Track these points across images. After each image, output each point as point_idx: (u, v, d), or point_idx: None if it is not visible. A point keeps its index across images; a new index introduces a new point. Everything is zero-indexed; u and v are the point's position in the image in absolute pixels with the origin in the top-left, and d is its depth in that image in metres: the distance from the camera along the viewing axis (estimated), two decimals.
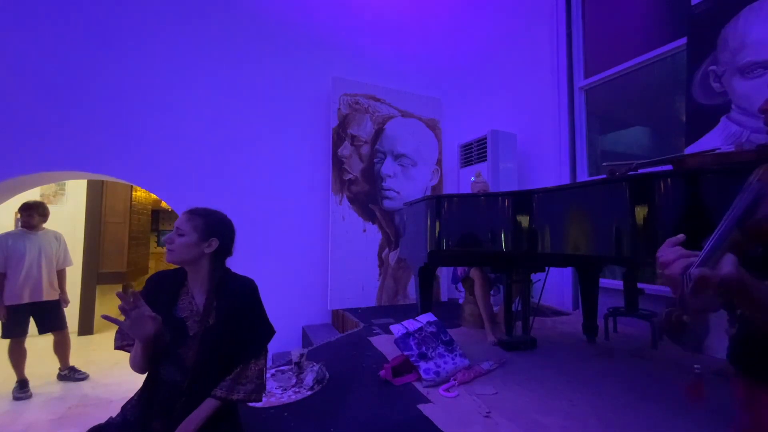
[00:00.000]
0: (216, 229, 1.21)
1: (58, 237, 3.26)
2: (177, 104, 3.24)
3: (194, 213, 1.21)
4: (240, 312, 1.19)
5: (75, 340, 3.28)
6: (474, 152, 3.72)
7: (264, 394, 1.64)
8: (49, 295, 3.08)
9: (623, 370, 1.94)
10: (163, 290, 1.19)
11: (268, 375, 1.85)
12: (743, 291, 0.56)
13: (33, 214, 3.06)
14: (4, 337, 2.95)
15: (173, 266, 1.20)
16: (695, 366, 0.67)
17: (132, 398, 1.17)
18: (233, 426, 1.18)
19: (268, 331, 1.26)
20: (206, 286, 1.19)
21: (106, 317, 1.04)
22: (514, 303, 2.31)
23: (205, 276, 1.19)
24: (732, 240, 0.57)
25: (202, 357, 1.11)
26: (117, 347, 1.15)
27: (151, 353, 1.10)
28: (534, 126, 3.67)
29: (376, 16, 4.12)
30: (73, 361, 3.30)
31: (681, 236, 0.62)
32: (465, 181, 3.81)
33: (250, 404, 1.48)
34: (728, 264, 0.54)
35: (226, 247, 1.24)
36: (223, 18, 3.45)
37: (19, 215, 3.09)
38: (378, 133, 3.80)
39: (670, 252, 0.60)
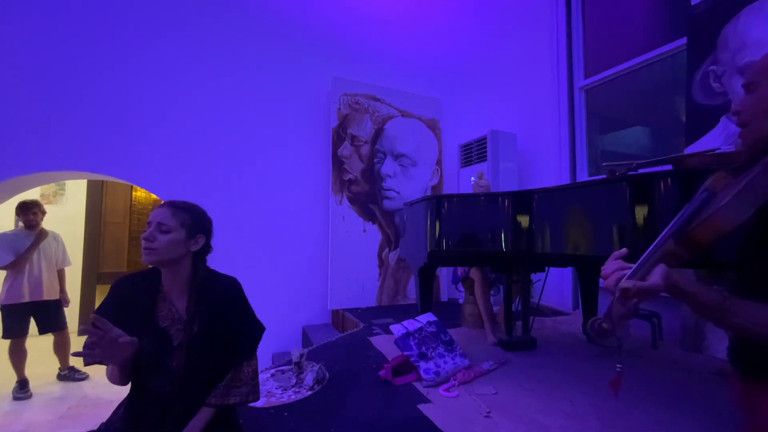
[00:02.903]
0: (202, 224, 1.11)
1: (56, 237, 3.26)
2: (177, 104, 3.24)
3: (178, 207, 1.09)
4: (227, 315, 1.10)
5: (75, 341, 3.28)
6: (474, 152, 3.72)
7: (263, 394, 1.64)
8: (49, 294, 3.08)
9: (623, 370, 1.93)
10: (135, 298, 1.06)
11: (268, 375, 1.85)
12: (683, 297, 0.61)
13: (36, 212, 3.06)
14: (5, 337, 2.95)
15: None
16: (617, 365, 0.71)
17: (118, 409, 1.10)
18: (233, 428, 1.15)
19: (258, 330, 1.19)
20: (187, 289, 1.08)
21: (76, 354, 0.91)
22: (514, 303, 2.31)
23: (186, 278, 1.08)
24: (666, 249, 0.61)
25: (190, 366, 1.03)
26: (87, 364, 0.95)
27: (130, 369, 1.01)
28: (534, 126, 3.67)
29: (376, 15, 4.11)
30: (73, 361, 3.30)
31: (624, 250, 0.68)
32: (465, 181, 3.81)
33: (250, 404, 1.48)
34: (655, 275, 0.59)
35: (209, 245, 1.14)
36: (222, 18, 3.45)
37: (18, 215, 3.08)
38: (378, 133, 3.80)
39: (611, 265, 0.66)
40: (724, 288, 0.64)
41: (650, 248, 0.62)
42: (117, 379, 1.02)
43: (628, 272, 0.61)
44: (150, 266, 1.08)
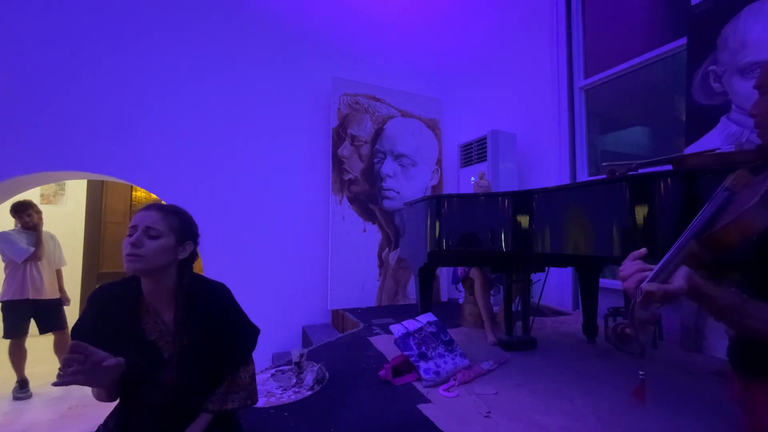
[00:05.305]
0: (191, 230, 1.05)
1: (53, 237, 3.28)
2: (177, 104, 3.24)
3: (167, 210, 1.01)
4: (219, 324, 1.04)
5: None
6: (474, 152, 3.72)
7: (263, 394, 1.64)
8: (50, 293, 3.08)
9: (623, 370, 1.94)
10: (116, 311, 0.98)
11: (268, 375, 1.85)
12: (702, 299, 0.59)
13: (32, 213, 3.05)
14: (5, 337, 2.95)
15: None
16: (640, 372, 0.67)
17: (113, 414, 1.05)
18: (233, 429, 1.13)
19: (253, 334, 1.14)
20: (173, 299, 1.01)
21: (56, 384, 0.85)
22: (514, 303, 2.31)
23: (171, 287, 1.00)
24: (689, 251, 0.59)
25: (184, 378, 0.98)
26: (65, 384, 0.86)
27: (118, 387, 0.96)
28: (534, 126, 3.67)
29: (376, 16, 4.12)
30: None
31: (643, 250, 0.65)
32: (465, 181, 3.81)
33: None
34: (679, 278, 0.57)
35: (196, 252, 1.07)
36: (222, 18, 3.45)
37: (13, 217, 3.06)
38: (378, 133, 3.80)
39: (630, 266, 0.63)
40: (738, 290, 0.63)
41: (672, 249, 0.59)
42: (104, 397, 0.97)
43: (650, 274, 0.58)
44: (129, 274, 1.00)
